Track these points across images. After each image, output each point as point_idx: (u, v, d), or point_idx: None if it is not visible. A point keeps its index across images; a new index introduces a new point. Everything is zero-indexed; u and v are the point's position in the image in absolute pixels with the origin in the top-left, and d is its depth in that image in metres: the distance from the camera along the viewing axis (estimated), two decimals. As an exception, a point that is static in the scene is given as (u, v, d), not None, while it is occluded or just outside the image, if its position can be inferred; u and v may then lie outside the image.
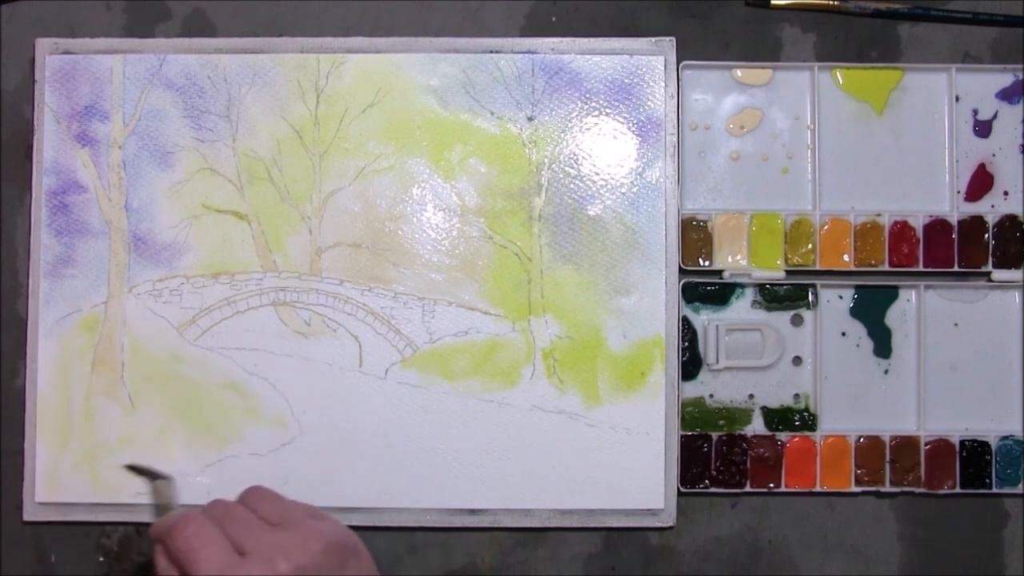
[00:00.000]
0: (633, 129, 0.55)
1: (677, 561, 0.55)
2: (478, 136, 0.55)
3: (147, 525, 0.54)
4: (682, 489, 0.54)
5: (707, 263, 0.55)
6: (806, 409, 0.55)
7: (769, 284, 0.55)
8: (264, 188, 0.55)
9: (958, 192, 0.56)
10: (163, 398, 0.54)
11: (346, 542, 0.43)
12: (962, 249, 0.55)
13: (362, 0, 0.56)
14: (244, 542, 0.41)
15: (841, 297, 0.56)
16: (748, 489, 0.54)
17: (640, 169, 0.55)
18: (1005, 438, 0.55)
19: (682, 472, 0.54)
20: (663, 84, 0.55)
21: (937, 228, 0.55)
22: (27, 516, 0.54)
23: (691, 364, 0.55)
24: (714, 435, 0.55)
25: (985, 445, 0.55)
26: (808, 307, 0.55)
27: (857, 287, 0.56)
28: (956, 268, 0.55)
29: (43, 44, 0.55)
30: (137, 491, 0.54)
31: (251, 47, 0.55)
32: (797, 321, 0.56)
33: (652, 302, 0.54)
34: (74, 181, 0.55)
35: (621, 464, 0.54)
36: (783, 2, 0.56)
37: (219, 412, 0.54)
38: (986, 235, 0.55)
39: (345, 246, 0.55)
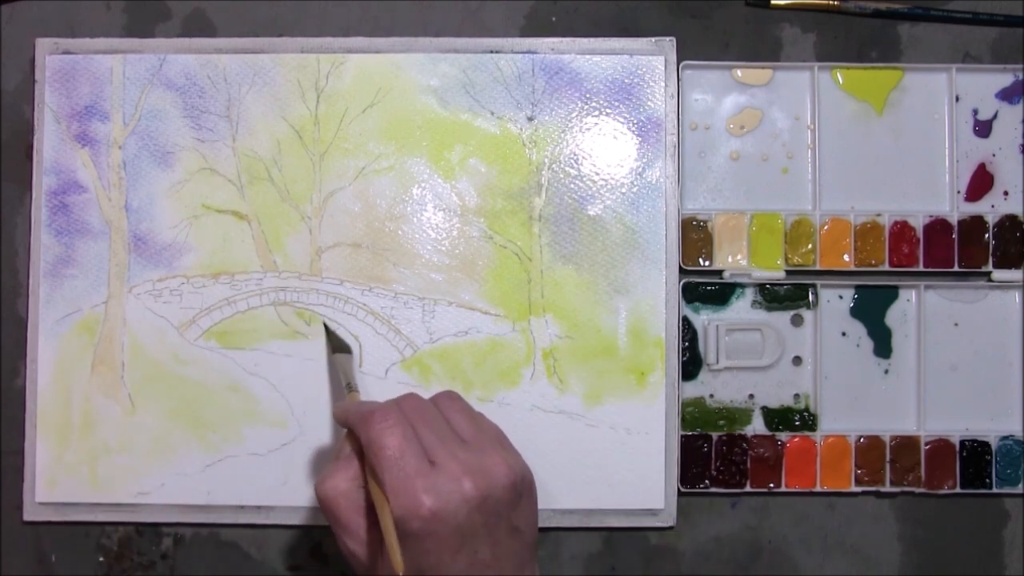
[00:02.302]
0: (633, 129, 0.55)
1: (677, 561, 0.55)
2: (478, 136, 0.55)
3: (148, 525, 0.54)
4: (682, 489, 0.54)
5: (707, 263, 0.55)
6: (806, 409, 0.55)
7: (769, 284, 0.55)
8: (264, 188, 0.55)
9: (958, 192, 0.56)
10: (163, 398, 0.54)
11: (526, 479, 0.43)
12: (962, 249, 0.55)
13: (362, 0, 0.56)
14: (435, 451, 0.41)
15: (841, 297, 0.56)
16: (748, 489, 0.55)
17: (640, 169, 0.55)
18: (1005, 438, 0.55)
19: (682, 472, 0.54)
20: (663, 84, 0.55)
21: (937, 228, 0.55)
22: (27, 516, 0.54)
23: (691, 364, 0.55)
24: (714, 435, 0.55)
25: (985, 445, 0.55)
26: (808, 307, 0.55)
27: (857, 287, 0.56)
28: (956, 268, 0.55)
29: (43, 44, 0.55)
30: (138, 491, 0.54)
31: (251, 47, 0.55)
32: (797, 321, 0.56)
33: (652, 302, 0.54)
34: (74, 181, 0.55)
35: (621, 464, 0.54)
36: (783, 2, 0.56)
37: (219, 412, 0.54)
38: (986, 235, 0.55)
39: (345, 246, 0.55)
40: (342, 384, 0.50)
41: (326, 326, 0.54)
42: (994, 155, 0.56)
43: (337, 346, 0.53)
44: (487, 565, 0.40)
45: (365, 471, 0.42)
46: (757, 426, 0.55)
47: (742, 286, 0.55)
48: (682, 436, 0.54)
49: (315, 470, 0.54)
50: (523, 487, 0.42)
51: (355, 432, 0.42)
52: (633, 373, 0.54)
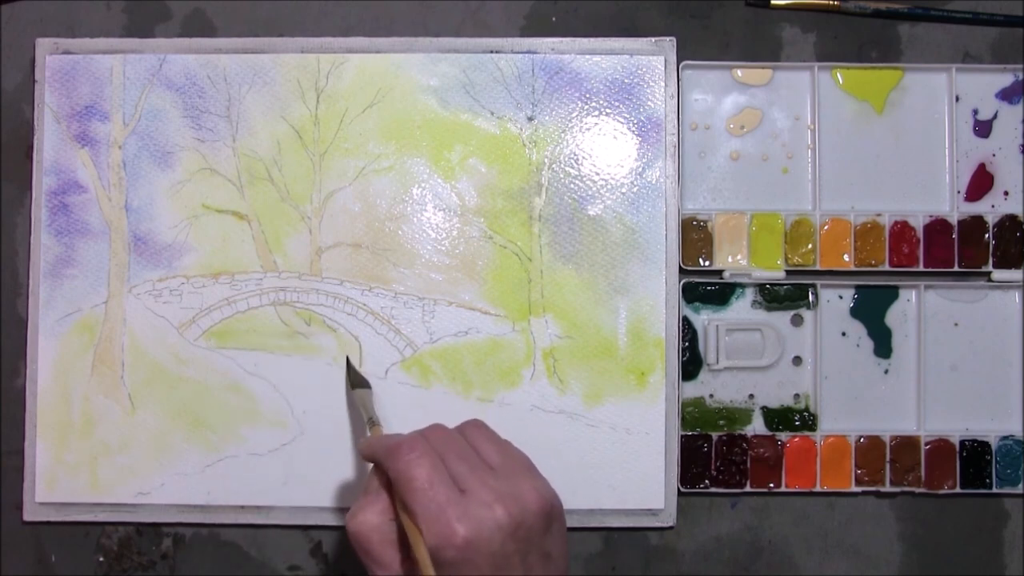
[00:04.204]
0: (633, 129, 0.55)
1: (677, 561, 0.55)
2: (478, 136, 0.55)
3: (148, 525, 0.54)
4: (682, 489, 0.54)
5: (707, 263, 0.55)
6: (806, 409, 0.55)
7: (769, 284, 0.55)
8: (264, 188, 0.55)
9: (958, 192, 0.56)
10: (163, 398, 0.54)
11: (555, 505, 0.42)
12: (962, 249, 0.55)
13: (362, 0, 0.56)
14: (464, 480, 0.40)
15: (841, 297, 0.56)
16: (748, 489, 0.54)
17: (640, 169, 0.55)
18: (1005, 438, 0.55)
19: (682, 472, 0.54)
20: (663, 84, 0.55)
21: (937, 228, 0.55)
22: (27, 516, 0.54)
23: (691, 364, 0.55)
24: (714, 435, 0.55)
25: (985, 445, 0.55)
26: (808, 307, 0.55)
27: (857, 287, 0.56)
28: (956, 268, 0.55)
29: (43, 44, 0.55)
30: (138, 491, 0.54)
31: (251, 47, 0.55)
32: (797, 321, 0.56)
33: (652, 302, 0.54)
34: (74, 181, 0.55)
35: (621, 464, 0.54)
36: (783, 2, 0.56)
37: (219, 412, 0.54)
38: (986, 235, 0.55)
39: (345, 246, 0.55)
40: (363, 419, 0.50)
41: (348, 361, 0.54)
42: (994, 155, 0.56)
43: (356, 381, 0.53)
44: None
45: (395, 504, 0.42)
46: (757, 426, 0.55)
47: (742, 286, 0.55)
48: (682, 436, 0.54)
49: (315, 470, 0.54)
50: (554, 514, 0.42)
51: (382, 465, 0.42)
52: (633, 373, 0.54)
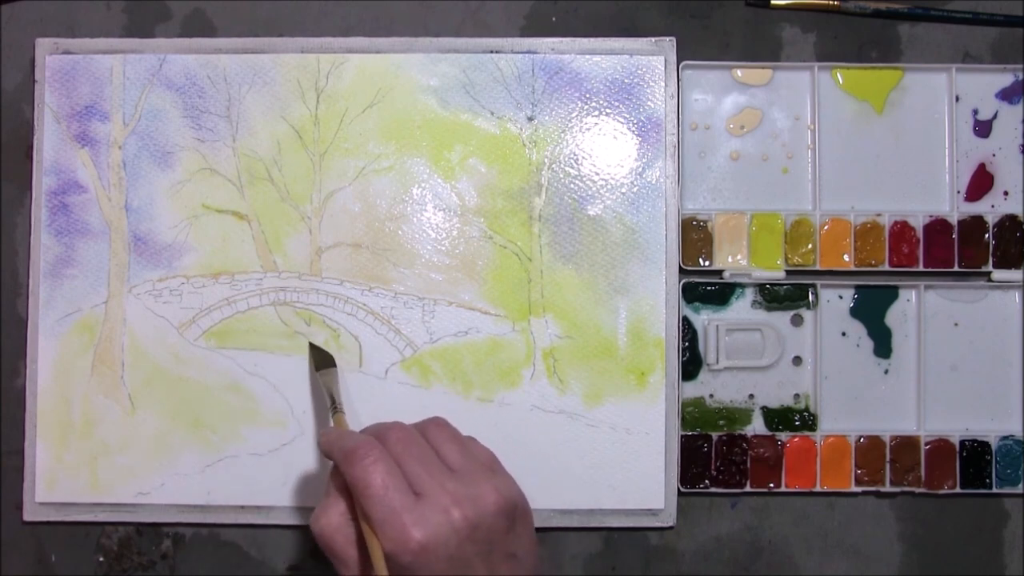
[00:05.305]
0: (633, 129, 0.55)
1: (677, 561, 0.55)
2: (478, 136, 0.55)
3: (148, 525, 0.54)
4: (682, 489, 0.54)
5: (707, 263, 0.55)
6: (806, 409, 0.55)
7: (769, 284, 0.55)
8: (264, 188, 0.55)
9: (958, 192, 0.56)
10: (163, 398, 0.54)
11: (517, 504, 0.42)
12: (962, 249, 0.55)
13: (362, 0, 0.56)
14: (421, 483, 0.40)
15: (841, 297, 0.56)
16: (748, 489, 0.55)
17: (640, 169, 0.55)
18: (1005, 438, 0.55)
19: (682, 472, 0.54)
20: (663, 84, 0.55)
21: (937, 228, 0.55)
22: (27, 516, 0.54)
23: (691, 364, 0.55)
24: (714, 435, 0.55)
25: (985, 445, 0.55)
26: (808, 307, 0.55)
27: (857, 287, 0.56)
28: (956, 268, 0.55)
29: (43, 44, 0.55)
30: (138, 491, 0.54)
31: (251, 47, 0.55)
32: (797, 321, 0.56)
33: (652, 302, 0.54)
34: (74, 181, 0.55)
35: (621, 464, 0.54)
36: (783, 2, 0.56)
37: (219, 412, 0.54)
38: (986, 235, 0.55)
39: (345, 246, 0.55)
40: (326, 403, 0.50)
41: (311, 345, 0.54)
42: (994, 155, 0.56)
43: (321, 361, 0.52)
44: None
45: (354, 507, 0.42)
46: (757, 426, 0.55)
47: (742, 286, 0.55)
48: (682, 436, 0.54)
49: (315, 470, 0.54)
50: (516, 513, 0.42)
51: (339, 467, 0.42)
52: (633, 373, 0.54)
